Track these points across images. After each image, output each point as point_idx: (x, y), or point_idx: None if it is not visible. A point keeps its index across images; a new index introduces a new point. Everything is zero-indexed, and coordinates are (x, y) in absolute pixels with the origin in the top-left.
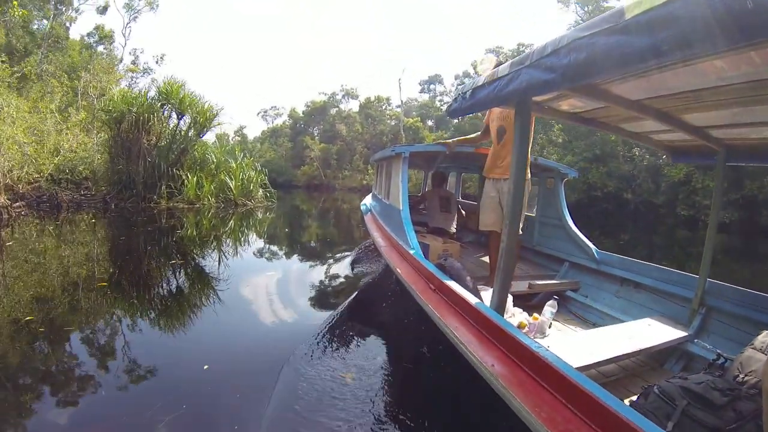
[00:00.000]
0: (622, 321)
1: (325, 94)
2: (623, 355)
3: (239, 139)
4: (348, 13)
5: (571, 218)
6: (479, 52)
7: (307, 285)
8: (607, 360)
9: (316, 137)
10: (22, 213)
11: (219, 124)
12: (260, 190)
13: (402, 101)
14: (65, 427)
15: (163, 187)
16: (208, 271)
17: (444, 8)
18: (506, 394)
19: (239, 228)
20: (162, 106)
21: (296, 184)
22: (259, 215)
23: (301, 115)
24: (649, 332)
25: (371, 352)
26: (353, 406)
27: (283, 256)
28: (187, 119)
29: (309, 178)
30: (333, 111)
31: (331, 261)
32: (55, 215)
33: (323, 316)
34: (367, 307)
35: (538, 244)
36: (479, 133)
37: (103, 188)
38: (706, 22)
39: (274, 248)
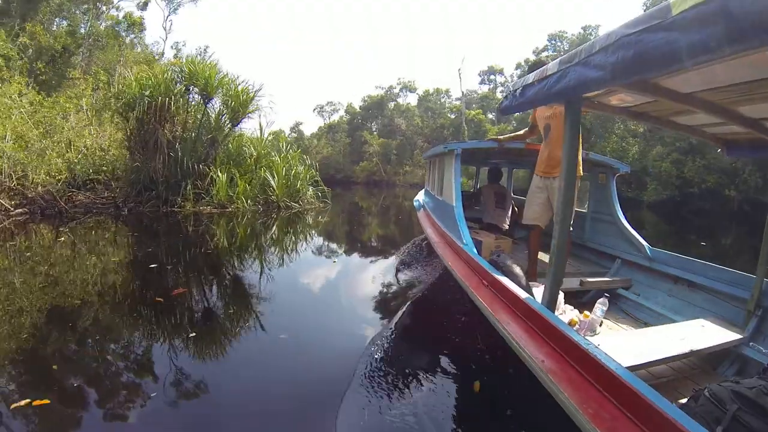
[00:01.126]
0: (674, 321)
1: (382, 88)
2: (674, 356)
3: (296, 135)
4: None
5: (623, 216)
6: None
7: (363, 296)
8: (657, 361)
9: (375, 132)
10: (5, 223)
11: (257, 108)
12: (310, 189)
13: (463, 92)
14: None
15: (189, 186)
16: (247, 293)
17: None
18: (554, 389)
19: (283, 235)
20: (186, 89)
21: (355, 180)
22: (309, 219)
23: (358, 110)
24: (703, 334)
25: (428, 357)
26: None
27: (341, 257)
28: (217, 104)
29: (368, 174)
30: (391, 105)
31: (389, 263)
32: (56, 224)
33: (375, 332)
34: (423, 312)
35: (589, 240)
36: (526, 129)
37: (126, 189)
38: (760, 14)
39: (326, 256)
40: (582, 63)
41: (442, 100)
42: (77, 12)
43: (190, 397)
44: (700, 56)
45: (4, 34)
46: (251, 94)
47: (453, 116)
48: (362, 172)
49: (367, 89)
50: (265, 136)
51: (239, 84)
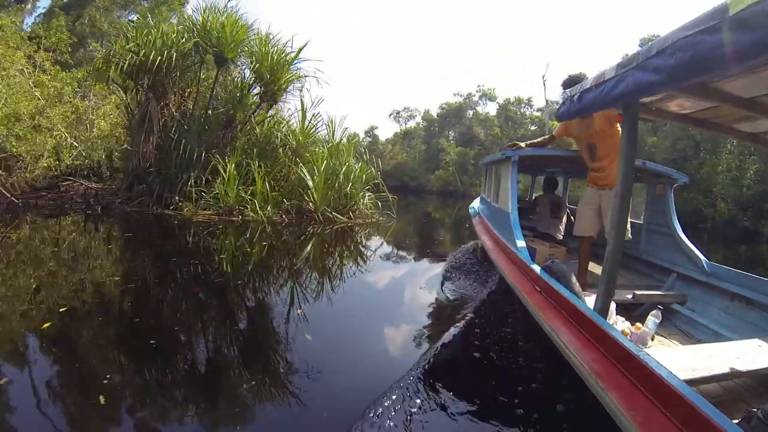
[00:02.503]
0: (730, 339)
1: (461, 95)
2: (727, 374)
3: (370, 140)
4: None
5: (681, 228)
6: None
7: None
8: (709, 377)
9: (452, 140)
10: None
11: (298, 77)
12: (366, 196)
13: (547, 101)
14: None
15: (191, 181)
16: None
17: None
18: (603, 395)
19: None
20: (197, 48)
21: (429, 189)
22: (361, 238)
23: (435, 117)
24: (759, 354)
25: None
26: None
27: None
28: (238, 69)
29: (443, 183)
30: (469, 113)
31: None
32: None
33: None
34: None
35: (645, 252)
36: (546, 137)
37: (119, 181)
38: None
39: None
40: (639, 67)
41: (523, 110)
42: (143, 2)
43: None
44: (760, 57)
45: (63, 20)
46: (289, 56)
47: (534, 127)
48: (437, 181)
49: (444, 95)
50: (308, 118)
51: (275, 43)
